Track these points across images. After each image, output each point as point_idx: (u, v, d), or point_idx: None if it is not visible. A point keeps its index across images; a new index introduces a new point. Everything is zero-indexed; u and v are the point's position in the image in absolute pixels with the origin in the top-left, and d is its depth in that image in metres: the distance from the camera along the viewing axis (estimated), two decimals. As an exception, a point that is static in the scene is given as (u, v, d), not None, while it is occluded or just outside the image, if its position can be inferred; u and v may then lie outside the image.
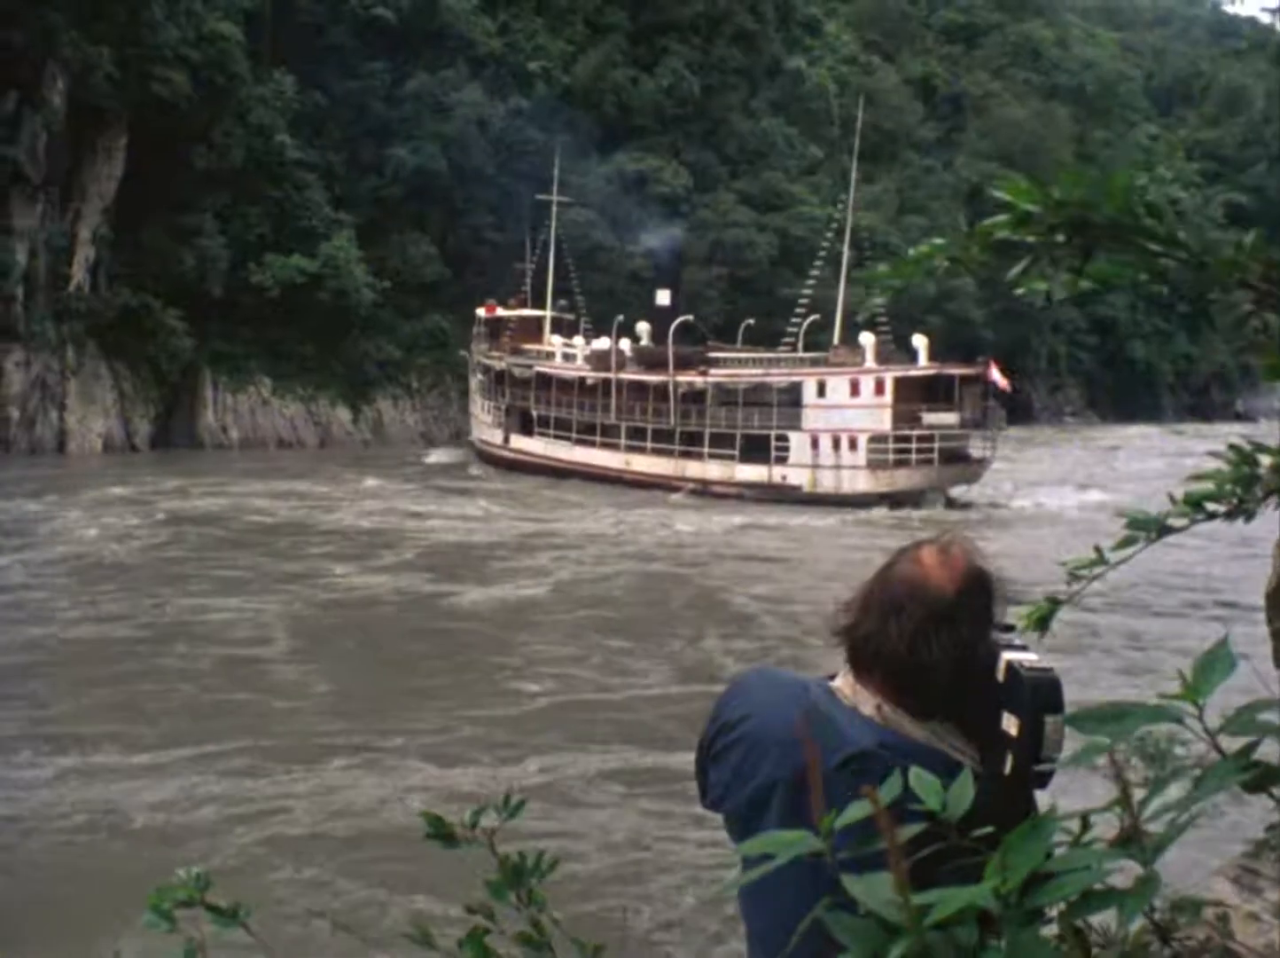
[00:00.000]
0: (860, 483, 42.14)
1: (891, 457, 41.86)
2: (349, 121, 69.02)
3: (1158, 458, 57.83)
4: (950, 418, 42.13)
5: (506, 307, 60.53)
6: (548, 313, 59.69)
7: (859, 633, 2.20)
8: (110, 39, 55.82)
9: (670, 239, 69.81)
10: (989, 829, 1.29)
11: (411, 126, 70.25)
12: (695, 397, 47.68)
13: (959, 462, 42.70)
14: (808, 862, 1.90)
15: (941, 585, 2.16)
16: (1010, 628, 2.16)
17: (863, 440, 42.29)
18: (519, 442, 55.39)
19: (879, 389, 42.37)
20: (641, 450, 49.01)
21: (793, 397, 44.64)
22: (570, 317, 58.80)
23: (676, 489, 45.58)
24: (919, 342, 45.38)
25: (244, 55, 62.68)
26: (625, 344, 51.83)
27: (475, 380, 60.25)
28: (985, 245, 1.18)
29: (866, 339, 44.86)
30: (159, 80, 57.39)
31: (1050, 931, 1.17)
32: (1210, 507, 1.38)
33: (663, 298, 54.36)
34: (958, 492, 43.06)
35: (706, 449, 46.58)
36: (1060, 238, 1.13)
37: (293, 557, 28.72)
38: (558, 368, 54.66)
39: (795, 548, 32.54)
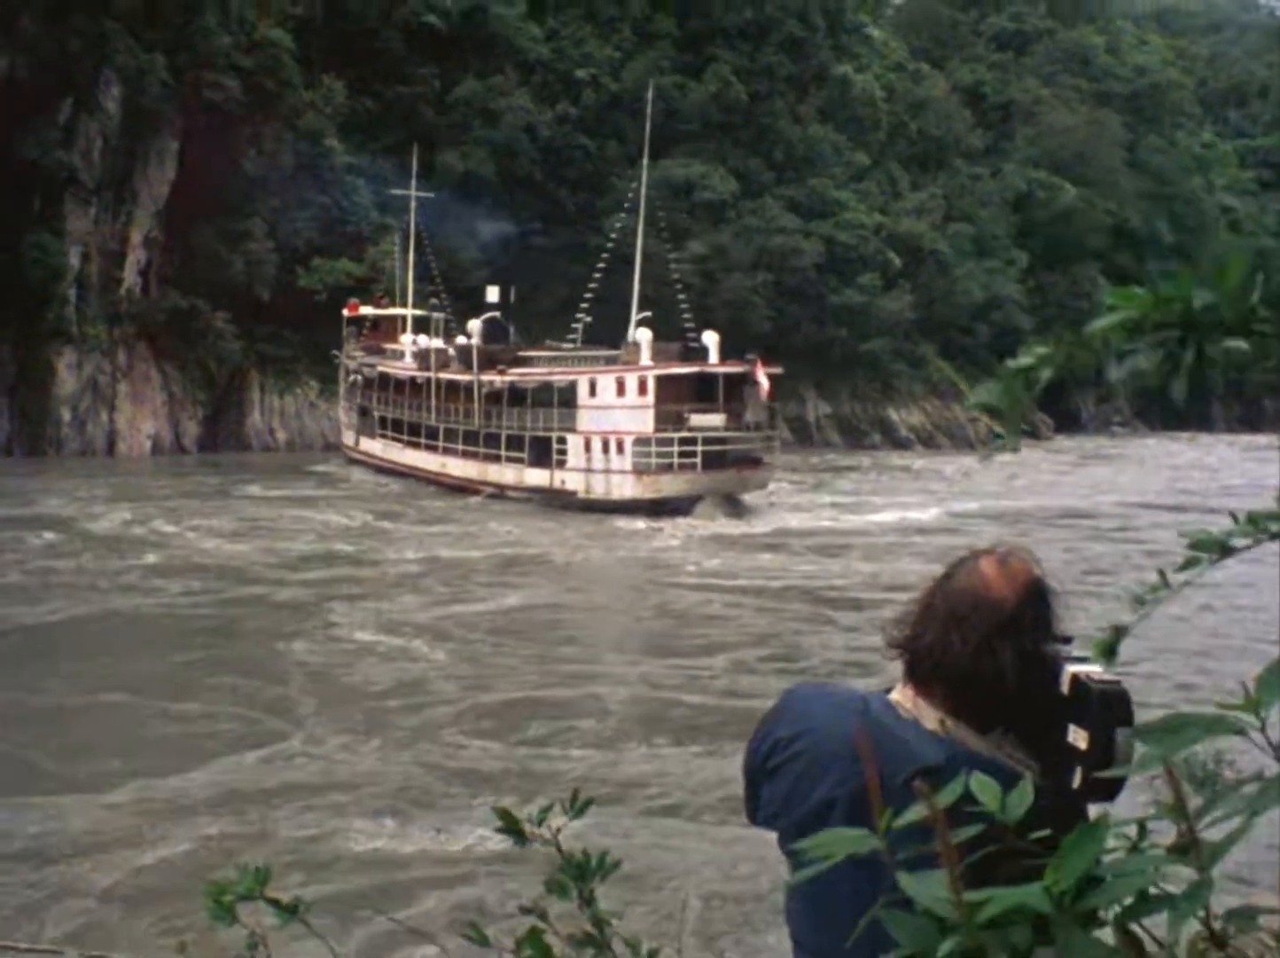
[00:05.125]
0: (628, 488, 39.43)
1: (654, 460, 38.93)
2: (398, 127, 69.49)
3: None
4: (716, 419, 39.16)
5: (378, 305, 58.95)
6: (409, 311, 56.87)
7: (919, 645, 2.18)
8: (164, 46, 56.61)
9: (502, 232, 66.65)
10: (1046, 832, 1.28)
11: (460, 133, 70.66)
12: (496, 397, 45.40)
13: (735, 466, 39.53)
14: (864, 876, 1.89)
15: (1003, 596, 2.14)
16: (1068, 639, 2.14)
17: (628, 443, 39.47)
18: (365, 443, 53.78)
19: (641, 389, 39.51)
20: (455, 452, 46.95)
21: (570, 397, 42.10)
22: (440, 315, 55.54)
23: (478, 493, 43.67)
24: (709, 339, 41.77)
25: (294, 61, 63.30)
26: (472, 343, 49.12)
27: (341, 382, 58.57)
28: (1092, 349, 1.17)
29: (642, 336, 41.75)
30: (211, 86, 58.09)
31: (1104, 936, 1.15)
32: (1275, 527, 1.36)
33: (491, 294, 51.73)
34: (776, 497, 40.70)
35: (503, 452, 44.35)
36: (1173, 334, 1.11)
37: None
38: (395, 367, 52.42)
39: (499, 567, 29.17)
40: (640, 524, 36.01)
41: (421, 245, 59.60)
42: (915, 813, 1.24)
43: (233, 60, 59.24)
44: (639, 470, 39.10)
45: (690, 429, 38.69)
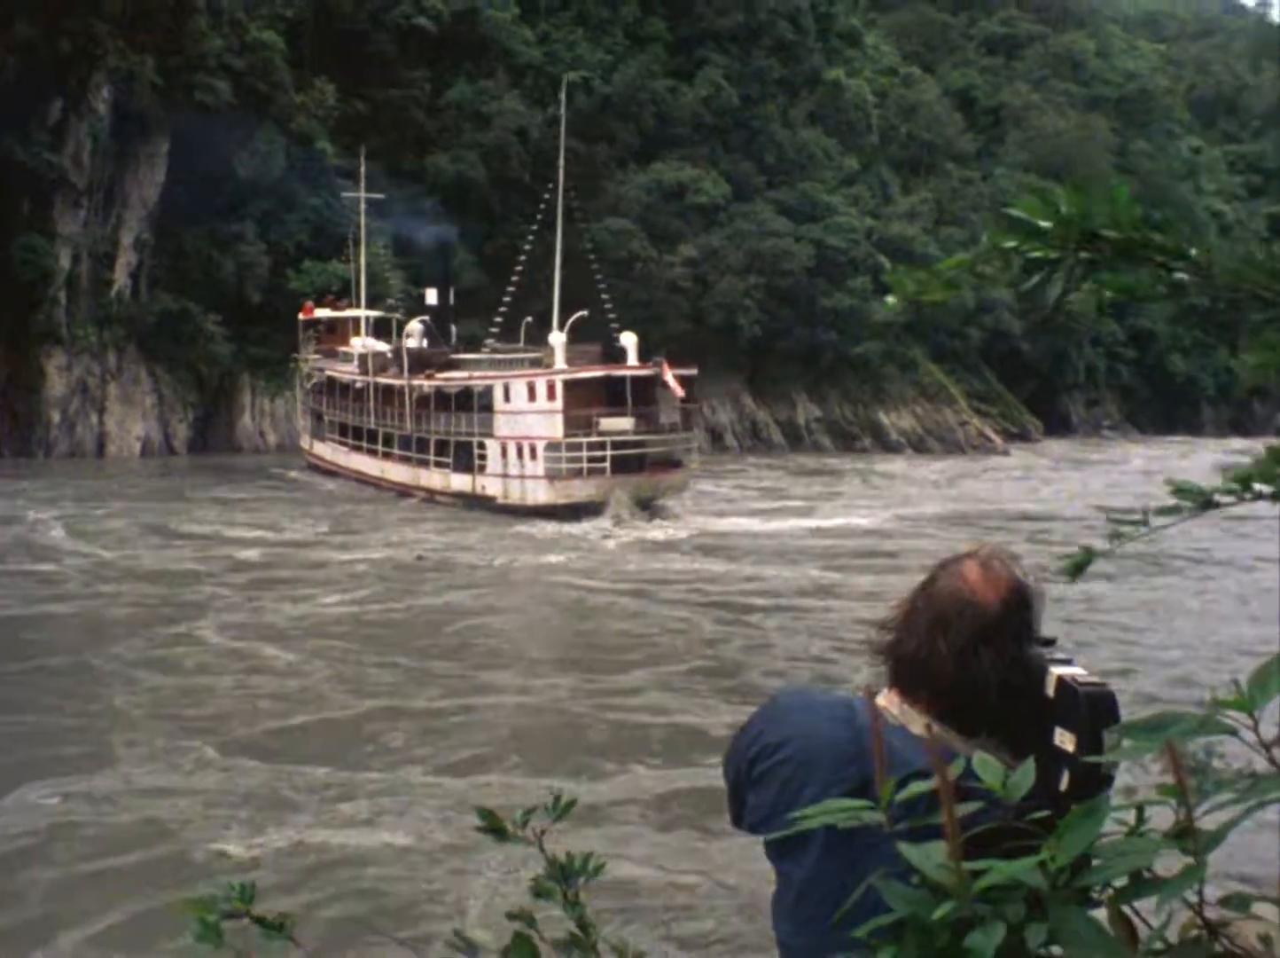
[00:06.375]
0: (541, 493, 39.03)
1: (564, 465, 38.38)
2: (389, 130, 69.46)
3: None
4: (625, 423, 38.66)
5: (335, 308, 58.54)
6: (362, 313, 56.03)
7: (903, 651, 2.18)
8: (154, 48, 56.54)
9: (440, 235, 65.87)
10: (1045, 813, 1.29)
11: (451, 135, 70.68)
12: (425, 401, 45.06)
13: (649, 470, 38.90)
14: (850, 877, 1.89)
15: (987, 601, 2.13)
16: (1050, 642, 2.13)
17: (540, 448, 39.03)
18: (317, 447, 53.87)
19: (550, 393, 38.93)
20: (392, 456, 46.89)
21: (489, 402, 41.90)
22: (399, 317, 54.69)
23: (411, 497, 43.66)
24: (627, 340, 41.35)
25: (286, 64, 63.27)
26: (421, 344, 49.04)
27: (298, 385, 58.55)
28: (1006, 260, 1.19)
29: (556, 339, 41.26)
30: (202, 88, 58.06)
31: (1096, 917, 1.16)
32: (1258, 486, 1.38)
33: (430, 297, 51.74)
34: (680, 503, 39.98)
35: (432, 457, 44.14)
36: (1071, 251, 1.13)
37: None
38: (341, 371, 52.23)
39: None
40: (548, 528, 35.61)
41: (372, 250, 59.39)
42: (919, 788, 1.25)
43: (224, 62, 59.21)
44: (550, 476, 38.72)
45: (600, 433, 38.24)
